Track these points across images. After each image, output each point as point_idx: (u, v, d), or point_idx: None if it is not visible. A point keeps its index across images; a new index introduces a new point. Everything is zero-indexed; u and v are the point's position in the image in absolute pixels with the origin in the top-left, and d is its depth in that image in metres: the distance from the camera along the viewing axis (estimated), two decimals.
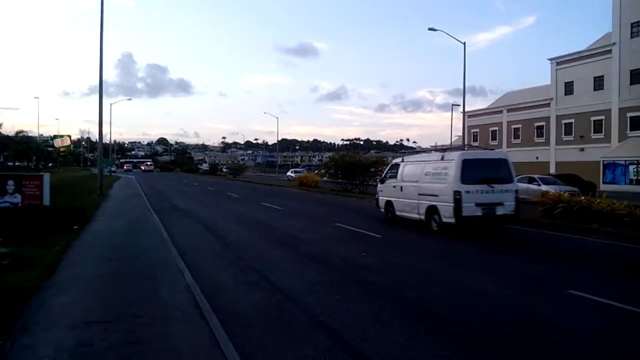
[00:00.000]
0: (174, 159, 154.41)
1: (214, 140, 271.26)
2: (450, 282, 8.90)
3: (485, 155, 16.52)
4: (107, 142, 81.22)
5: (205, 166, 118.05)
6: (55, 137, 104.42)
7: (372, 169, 34.52)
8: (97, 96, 30.86)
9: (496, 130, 58.89)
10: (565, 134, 49.34)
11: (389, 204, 17.91)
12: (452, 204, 13.96)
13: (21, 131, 70.30)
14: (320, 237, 14.47)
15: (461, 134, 49.94)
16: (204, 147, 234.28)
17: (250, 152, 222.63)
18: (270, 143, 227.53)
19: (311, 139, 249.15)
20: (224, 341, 5.63)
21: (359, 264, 10.47)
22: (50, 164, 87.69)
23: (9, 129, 74.95)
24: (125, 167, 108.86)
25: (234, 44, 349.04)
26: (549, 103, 50.95)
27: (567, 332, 6.19)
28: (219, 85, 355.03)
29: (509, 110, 57.27)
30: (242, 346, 5.51)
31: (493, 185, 14.15)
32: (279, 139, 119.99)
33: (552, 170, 46.59)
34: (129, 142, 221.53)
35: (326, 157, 68.05)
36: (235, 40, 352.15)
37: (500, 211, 14.16)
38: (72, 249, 11.91)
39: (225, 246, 12.82)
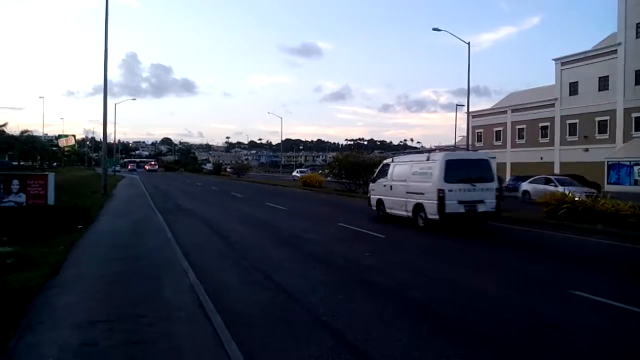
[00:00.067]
0: (178, 158, 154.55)
1: (218, 140, 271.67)
2: (453, 282, 8.88)
3: (467, 155, 17.93)
4: (112, 141, 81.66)
5: (209, 166, 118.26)
6: (59, 136, 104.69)
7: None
8: (101, 96, 30.96)
9: (500, 130, 58.73)
10: (569, 135, 49.17)
11: (379, 202, 18.77)
12: (436, 202, 14.79)
13: (26, 131, 70.65)
14: (324, 237, 14.48)
15: (465, 134, 49.83)
16: (208, 147, 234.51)
17: (254, 152, 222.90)
18: (274, 143, 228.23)
19: (315, 139, 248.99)
20: (227, 341, 5.64)
21: (362, 264, 10.48)
22: (55, 164, 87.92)
23: (14, 129, 75.62)
24: (129, 166, 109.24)
25: (238, 44, 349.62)
26: (554, 103, 50.79)
27: (569, 333, 6.18)
28: (223, 85, 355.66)
29: (513, 111, 57.12)
30: (246, 346, 5.51)
31: (475, 184, 14.98)
32: (283, 138, 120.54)
33: (557, 170, 46.45)
34: (133, 142, 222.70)
35: (330, 157, 68.24)
36: (239, 40, 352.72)
37: (481, 208, 14.92)
38: (77, 249, 11.95)
39: (229, 246, 12.84)
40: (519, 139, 56.03)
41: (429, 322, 6.54)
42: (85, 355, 5.43)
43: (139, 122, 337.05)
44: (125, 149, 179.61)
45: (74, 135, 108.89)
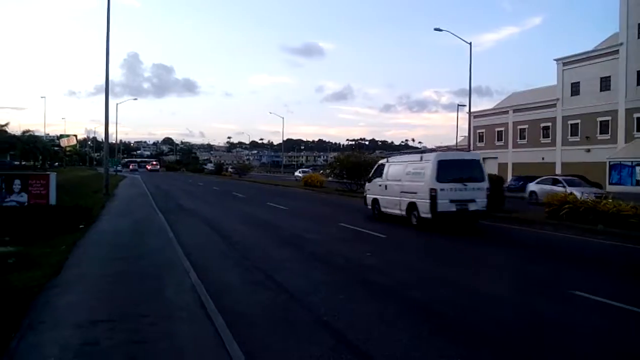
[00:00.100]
0: (179, 158, 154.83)
1: (219, 140, 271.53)
2: (454, 282, 8.87)
3: (459, 156, 18.54)
4: (113, 141, 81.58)
5: (210, 166, 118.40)
6: (61, 136, 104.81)
7: None
8: (103, 96, 30.99)
9: (502, 130, 58.65)
10: (571, 135, 49.09)
11: (375, 201, 19.24)
12: (428, 201, 15.21)
13: (28, 131, 70.80)
14: (325, 237, 14.50)
15: (467, 134, 49.81)
16: (209, 147, 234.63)
17: (255, 152, 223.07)
18: (275, 143, 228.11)
19: (316, 139, 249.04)
20: (229, 341, 5.64)
21: (363, 264, 10.48)
22: (57, 164, 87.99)
23: (16, 129, 75.62)
24: (130, 166, 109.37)
25: (239, 44, 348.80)
26: (555, 104, 50.72)
27: (570, 333, 6.17)
28: (224, 85, 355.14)
29: (514, 111, 57.04)
30: (247, 346, 5.52)
31: (466, 183, 15.40)
32: (284, 138, 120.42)
33: (558, 171, 46.40)
34: (134, 142, 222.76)
35: (331, 157, 68.33)
36: (241, 40, 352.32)
37: (472, 207, 15.30)
38: (78, 248, 11.96)
39: (231, 246, 12.85)
40: (520, 139, 55.96)
41: (430, 322, 6.54)
42: (86, 355, 5.43)
43: (141, 122, 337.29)
44: (126, 149, 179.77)
45: (75, 135, 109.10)
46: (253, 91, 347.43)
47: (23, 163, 67.26)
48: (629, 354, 5.69)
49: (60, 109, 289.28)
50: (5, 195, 16.22)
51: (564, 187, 24.77)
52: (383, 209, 18.46)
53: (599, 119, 45.84)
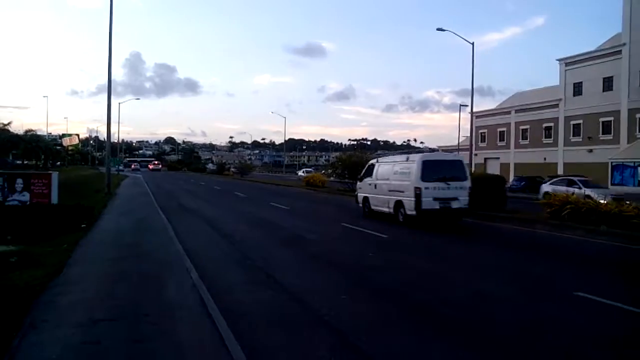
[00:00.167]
0: (181, 158, 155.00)
1: (221, 140, 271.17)
2: (456, 283, 8.87)
3: (443, 157, 19.82)
4: (115, 141, 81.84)
5: (212, 166, 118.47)
6: (63, 135, 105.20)
7: None
8: (105, 95, 31.13)
9: (504, 130, 58.58)
10: (573, 135, 49.01)
11: (365, 199, 19.99)
12: (414, 199, 15.99)
13: (30, 130, 70.91)
14: (327, 237, 14.51)
15: (469, 134, 49.74)
16: (211, 147, 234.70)
17: (257, 151, 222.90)
18: (277, 143, 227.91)
19: (318, 139, 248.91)
20: (230, 340, 5.64)
21: (365, 264, 10.47)
22: (59, 163, 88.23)
23: (18, 128, 75.56)
24: (132, 166, 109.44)
25: (242, 44, 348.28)
26: (558, 104, 50.63)
27: (572, 333, 6.15)
28: (226, 85, 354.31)
29: (517, 111, 56.96)
30: (248, 345, 5.51)
31: (449, 182, 16.15)
32: (287, 138, 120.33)
33: (560, 171, 46.31)
34: (136, 141, 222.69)
35: (333, 157, 68.28)
36: (243, 40, 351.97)
37: (455, 205, 16.12)
38: (80, 248, 11.99)
39: (232, 245, 12.85)
40: (522, 139, 55.87)
41: (432, 322, 6.54)
42: (88, 354, 5.44)
43: (143, 121, 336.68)
44: (128, 149, 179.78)
45: (77, 135, 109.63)
46: (255, 91, 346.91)
47: (25, 162, 67.43)
48: (634, 356, 5.67)
49: (62, 108, 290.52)
50: (8, 194, 16.27)
51: (580, 188, 24.07)
52: (373, 207, 19.21)
53: (602, 119, 45.75)
